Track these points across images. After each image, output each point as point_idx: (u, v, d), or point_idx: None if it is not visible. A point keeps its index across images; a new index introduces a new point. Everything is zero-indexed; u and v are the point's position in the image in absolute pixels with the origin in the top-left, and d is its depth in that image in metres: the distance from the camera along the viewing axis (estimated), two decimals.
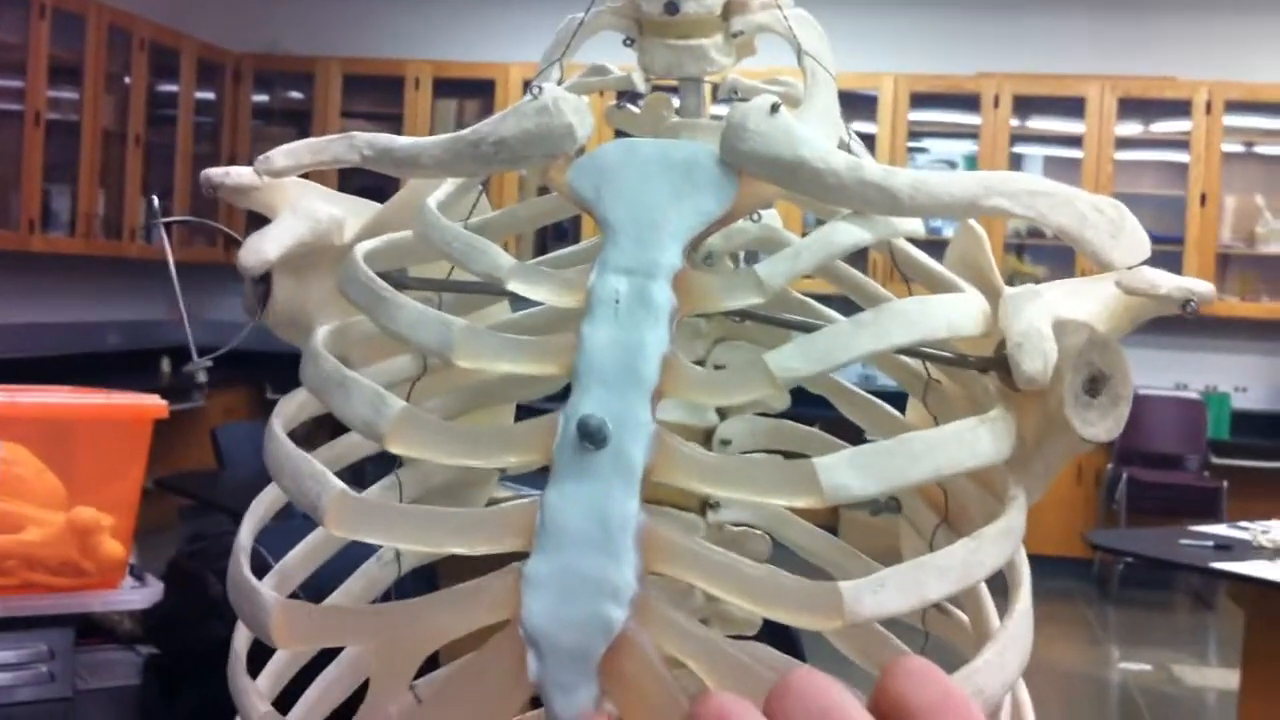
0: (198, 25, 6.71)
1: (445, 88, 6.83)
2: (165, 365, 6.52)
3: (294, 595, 0.55)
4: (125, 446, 1.50)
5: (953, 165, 6.58)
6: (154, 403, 1.51)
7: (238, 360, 0.67)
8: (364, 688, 0.55)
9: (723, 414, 0.62)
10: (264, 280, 0.60)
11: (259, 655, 0.57)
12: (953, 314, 0.51)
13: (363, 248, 0.56)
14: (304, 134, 6.90)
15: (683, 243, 0.50)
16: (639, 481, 0.46)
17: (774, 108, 0.49)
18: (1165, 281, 0.52)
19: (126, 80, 6.24)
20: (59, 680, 1.43)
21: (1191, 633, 5.43)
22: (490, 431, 0.54)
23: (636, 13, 0.57)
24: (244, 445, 4.67)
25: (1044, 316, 0.51)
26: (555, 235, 5.32)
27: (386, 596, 0.61)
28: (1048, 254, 6.15)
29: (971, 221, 0.58)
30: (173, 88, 6.63)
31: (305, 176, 0.62)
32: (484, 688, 0.47)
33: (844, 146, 0.53)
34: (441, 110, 6.84)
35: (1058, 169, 6.51)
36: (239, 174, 0.59)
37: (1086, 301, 0.54)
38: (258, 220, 0.62)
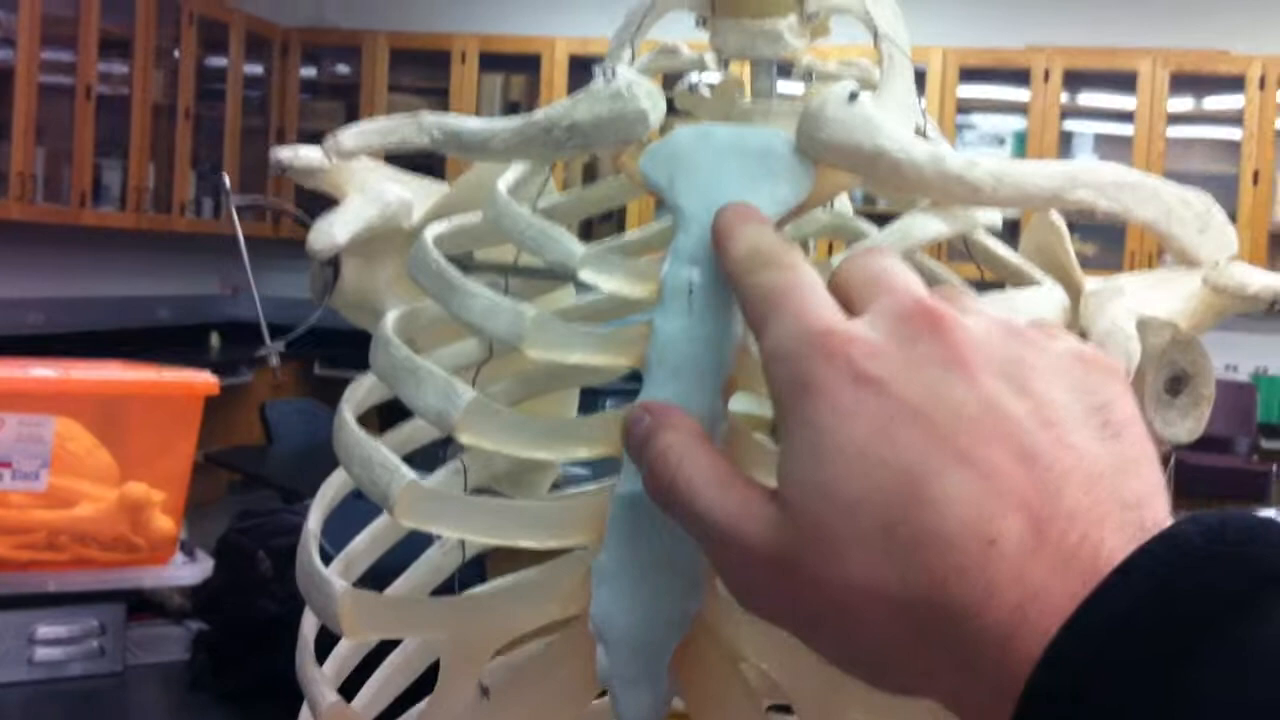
0: (246, 0, 6.73)
1: (491, 62, 6.83)
2: (214, 340, 6.58)
3: (359, 581, 0.55)
4: (177, 422, 1.52)
5: (1002, 142, 6.52)
6: (205, 379, 1.52)
7: (284, 335, 0.67)
8: (427, 673, 0.55)
9: None
10: (332, 263, 0.60)
11: (322, 639, 0.57)
12: (1034, 309, 0.50)
13: (431, 231, 0.56)
14: (351, 108, 6.95)
15: None
16: None
17: (852, 95, 0.48)
18: (1254, 280, 0.51)
19: (176, 54, 6.28)
20: (110, 655, 1.44)
21: None
22: (562, 424, 0.53)
23: None
24: (292, 421, 4.71)
25: (1128, 315, 0.50)
26: (601, 218, 5.31)
27: (449, 583, 0.61)
28: (1097, 232, 6.08)
29: (1050, 212, 0.56)
30: (221, 62, 6.67)
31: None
32: (553, 682, 0.47)
33: (920, 132, 0.52)
34: (487, 84, 6.84)
35: (1108, 145, 6.43)
36: (308, 155, 0.59)
37: (1169, 298, 0.53)
38: (312, 196, 0.61)
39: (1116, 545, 0.30)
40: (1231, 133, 6.25)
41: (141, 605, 1.58)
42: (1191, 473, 5.66)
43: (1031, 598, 0.30)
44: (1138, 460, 0.33)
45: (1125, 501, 0.32)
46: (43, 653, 1.41)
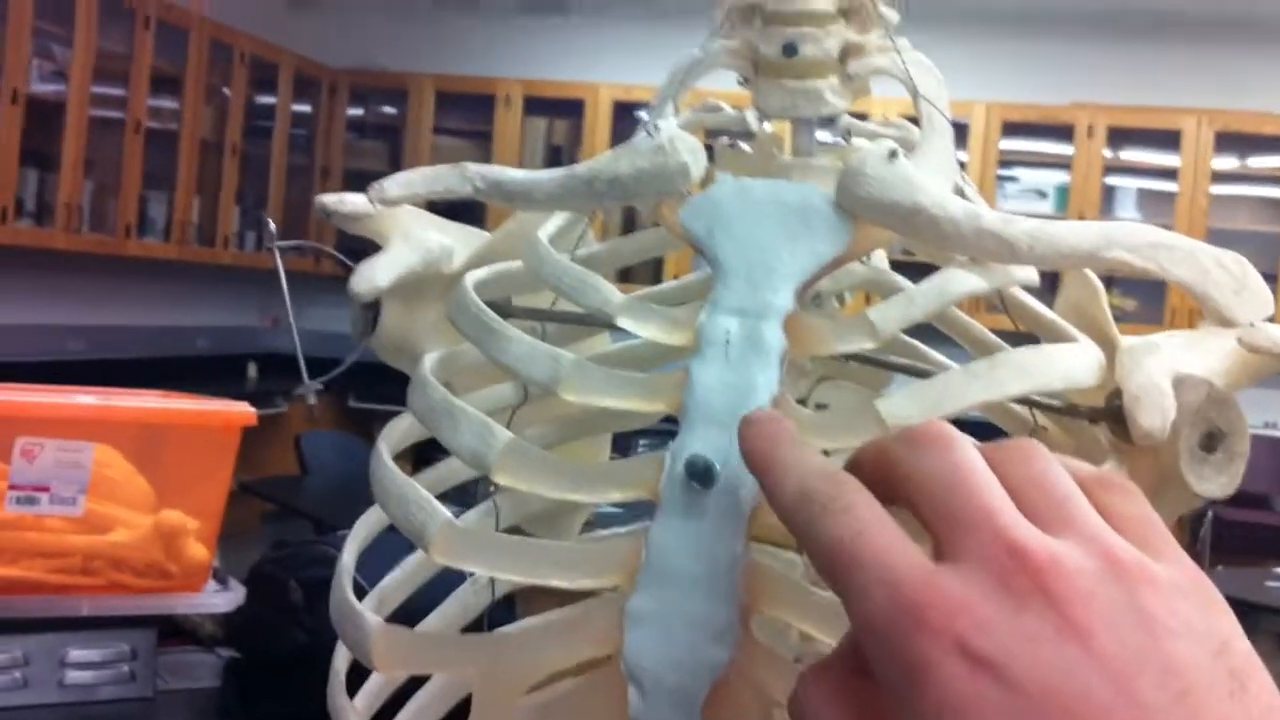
0: (297, 41, 6.84)
1: (535, 106, 6.89)
2: (252, 370, 6.64)
3: (391, 617, 0.56)
4: (214, 452, 1.53)
5: (1043, 195, 6.50)
6: (243, 410, 1.53)
7: (322, 369, 0.68)
8: (457, 709, 0.56)
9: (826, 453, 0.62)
10: (373, 307, 0.61)
11: (353, 673, 0.58)
12: (1069, 365, 0.50)
13: (472, 277, 0.57)
14: (395, 149, 7.01)
15: (795, 285, 0.49)
16: (746, 522, 0.46)
17: (892, 154, 0.49)
18: None
19: (226, 92, 6.37)
20: (140, 680, 1.45)
21: (1276, 676, 5.29)
22: (597, 467, 0.54)
23: (753, 54, 0.57)
24: (327, 453, 4.73)
25: (1163, 371, 0.50)
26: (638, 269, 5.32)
27: (479, 622, 0.62)
28: (1139, 287, 6.04)
29: (1087, 271, 0.57)
30: (270, 100, 6.76)
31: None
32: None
33: (958, 192, 0.53)
34: (531, 129, 6.90)
35: (1151, 202, 6.40)
36: (353, 201, 0.60)
37: (1205, 356, 0.53)
38: (353, 239, 0.62)
39: None
40: (1276, 191, 6.22)
41: (173, 632, 1.59)
42: (1229, 529, 5.59)
43: None
44: (1269, 711, 0.31)
45: None
46: (74, 676, 1.42)
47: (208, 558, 1.51)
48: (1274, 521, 5.74)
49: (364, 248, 0.62)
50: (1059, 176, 6.48)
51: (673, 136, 0.52)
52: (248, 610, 1.48)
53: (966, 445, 0.35)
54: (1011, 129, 6.39)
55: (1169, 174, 6.30)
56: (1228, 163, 6.31)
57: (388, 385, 0.59)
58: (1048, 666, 0.30)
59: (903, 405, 0.48)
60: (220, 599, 1.51)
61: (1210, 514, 5.53)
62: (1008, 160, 6.50)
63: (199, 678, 1.54)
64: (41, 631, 1.40)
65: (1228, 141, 6.22)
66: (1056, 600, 0.31)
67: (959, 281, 0.51)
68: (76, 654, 1.42)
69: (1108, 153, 6.37)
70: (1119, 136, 6.36)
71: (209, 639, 1.63)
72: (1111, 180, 6.50)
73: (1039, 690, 0.30)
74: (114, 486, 1.47)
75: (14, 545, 1.41)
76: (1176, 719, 0.30)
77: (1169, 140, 6.25)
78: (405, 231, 0.61)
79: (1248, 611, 5.10)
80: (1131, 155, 6.49)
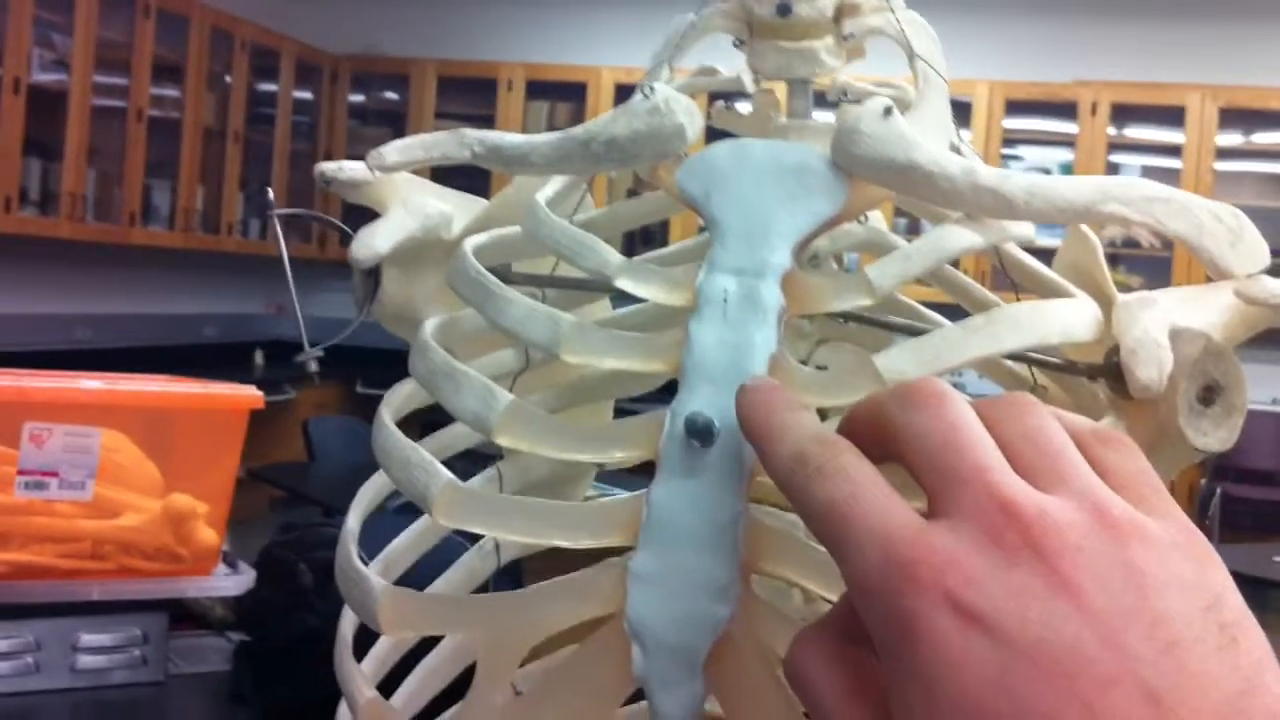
0: (297, 27, 6.83)
1: (537, 90, 6.89)
2: (259, 358, 6.65)
3: (396, 584, 0.56)
4: (222, 436, 1.53)
5: (1048, 174, 6.48)
6: (250, 393, 1.53)
7: (329, 355, 0.68)
8: (465, 675, 0.56)
9: (823, 413, 0.62)
10: (373, 273, 0.61)
11: (361, 641, 0.58)
12: (1066, 319, 0.50)
13: (471, 242, 0.57)
14: (398, 134, 7.02)
15: (792, 244, 0.50)
16: (746, 480, 0.46)
17: (887, 111, 0.49)
18: None
19: (227, 79, 6.38)
20: (151, 664, 1.46)
21: None
22: (597, 427, 0.54)
23: (747, 15, 0.57)
24: (334, 438, 4.74)
25: (1160, 325, 0.50)
26: (643, 239, 5.33)
27: (484, 588, 0.62)
28: (1144, 264, 6.04)
29: (1083, 228, 0.57)
30: (272, 87, 6.76)
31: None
32: (587, 681, 0.48)
33: (954, 151, 0.53)
34: (533, 112, 6.90)
35: (1155, 179, 6.29)
36: (352, 169, 0.60)
37: (1202, 310, 0.53)
38: (356, 217, 0.62)
39: None
40: None
41: (184, 616, 1.59)
42: (1236, 505, 5.59)
43: None
44: (1259, 668, 0.31)
45: None
46: (85, 660, 1.43)
47: (217, 541, 1.51)
48: None
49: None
50: (1063, 155, 6.47)
51: (668, 98, 0.52)
52: (258, 593, 1.48)
53: (959, 402, 0.35)
54: (1015, 107, 6.38)
55: (1173, 150, 6.29)
56: (1232, 139, 6.29)
57: (394, 372, 0.59)
58: (1036, 620, 0.31)
59: (900, 360, 0.48)
60: (230, 582, 1.51)
61: (1219, 491, 5.53)
62: (1011, 139, 6.49)
63: (210, 661, 1.55)
64: (52, 616, 1.41)
65: (1232, 117, 6.20)
66: (1046, 555, 0.32)
67: (956, 238, 0.51)
68: (87, 638, 1.43)
69: (1111, 130, 6.35)
70: (1123, 113, 6.35)
71: (219, 623, 1.64)
72: (1115, 158, 6.49)
73: (1027, 643, 0.31)
74: (122, 471, 1.48)
75: (24, 530, 1.41)
76: (1163, 670, 0.30)
77: (1173, 117, 6.24)
78: (404, 198, 0.61)
79: (1255, 587, 5.11)
80: (1135, 132, 6.48)
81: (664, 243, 0.67)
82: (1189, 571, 0.32)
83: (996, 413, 0.36)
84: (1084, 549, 0.32)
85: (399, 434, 0.54)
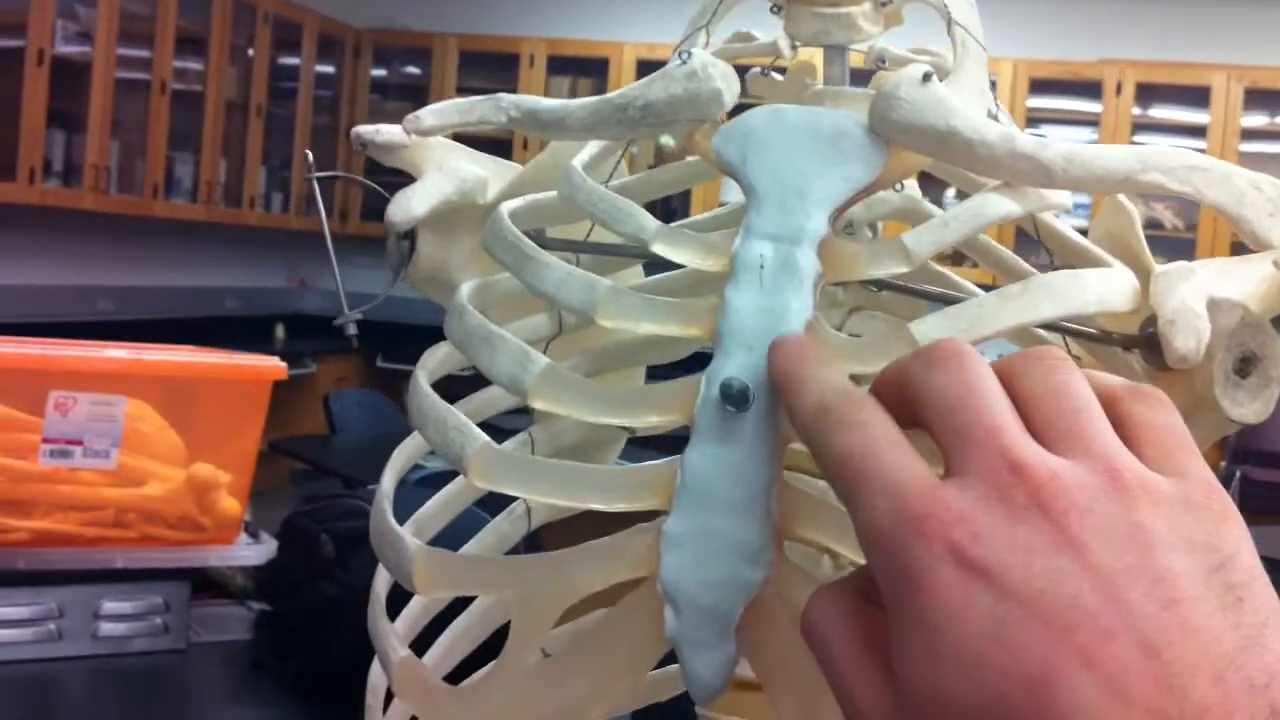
0: (320, 1, 6.82)
1: (559, 65, 6.88)
2: (280, 331, 6.67)
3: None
4: (244, 406, 1.54)
5: None
6: (273, 364, 1.54)
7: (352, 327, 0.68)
8: (495, 636, 0.56)
9: (857, 380, 0.62)
10: (408, 237, 0.61)
11: (393, 601, 0.59)
12: (1103, 288, 0.50)
13: (507, 206, 0.57)
14: (419, 108, 7.05)
15: (829, 210, 0.49)
16: (780, 446, 0.46)
17: (926, 77, 0.49)
18: None
19: (250, 53, 6.38)
20: (173, 632, 1.47)
21: None
22: (632, 391, 0.54)
23: None
24: (355, 412, 4.77)
25: (1197, 295, 0.50)
26: (664, 214, 5.31)
27: (515, 551, 0.62)
28: (1166, 246, 6.01)
29: (1121, 197, 0.57)
30: (294, 61, 6.76)
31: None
32: (620, 642, 0.48)
33: (992, 116, 0.53)
34: (555, 88, 6.88)
35: None
36: (389, 131, 0.60)
37: (1239, 281, 0.53)
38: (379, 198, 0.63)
39: None
40: None
41: (205, 585, 1.61)
42: (1256, 488, 5.57)
43: None
44: (1263, 628, 0.32)
45: (1254, 684, 0.30)
46: (107, 628, 1.44)
47: (239, 511, 1.52)
48: None
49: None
50: (1087, 134, 6.43)
51: (706, 63, 0.52)
52: (279, 563, 1.49)
53: (978, 362, 0.36)
54: (1039, 86, 6.34)
55: (1198, 131, 6.24)
56: (1257, 119, 6.24)
57: (415, 346, 0.60)
58: (1039, 574, 0.31)
59: (936, 327, 0.48)
60: (252, 552, 1.53)
61: (1239, 474, 5.51)
62: (1035, 118, 6.45)
63: (231, 630, 1.56)
64: (75, 584, 1.42)
65: (1257, 98, 6.15)
66: (1053, 514, 0.32)
67: (993, 205, 0.51)
68: (110, 606, 1.44)
69: (1136, 110, 6.31)
70: (1147, 93, 6.30)
71: (240, 592, 1.65)
72: (1140, 138, 6.44)
73: (1028, 595, 0.31)
74: (146, 440, 1.49)
75: (48, 498, 1.43)
76: (1163, 625, 0.31)
77: (1198, 97, 6.19)
78: (439, 162, 0.61)
79: (1275, 569, 5.08)
80: (1160, 112, 6.43)
81: (686, 215, 0.67)
82: (1199, 532, 0.32)
83: (1021, 367, 0.36)
84: (1093, 510, 0.32)
85: (435, 396, 0.54)
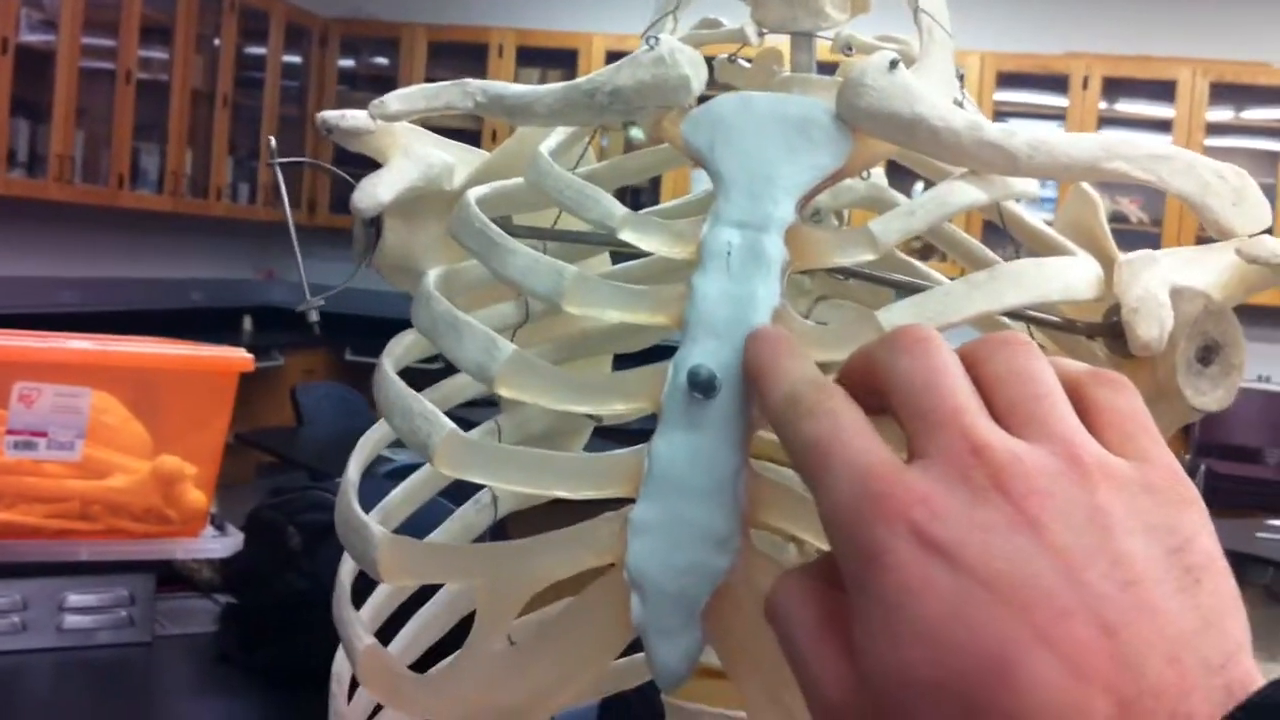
0: None
1: (528, 56, 6.86)
2: (247, 323, 6.63)
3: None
4: (210, 398, 1.53)
5: None
6: (240, 356, 1.53)
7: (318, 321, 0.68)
8: (461, 624, 0.56)
9: (824, 368, 0.62)
10: (374, 223, 0.61)
11: (359, 591, 0.58)
12: (1068, 276, 0.51)
13: (474, 193, 0.57)
14: None
15: (795, 197, 0.49)
16: (747, 433, 0.46)
17: (892, 64, 0.49)
18: None
19: (216, 42, 6.33)
20: (139, 625, 1.46)
21: (1265, 627, 5.34)
22: (599, 378, 0.54)
23: None
24: (323, 404, 4.74)
25: (1160, 283, 0.50)
26: (634, 203, 5.31)
27: (481, 540, 0.62)
28: (1132, 240, 6.04)
29: (1085, 186, 0.57)
30: (261, 51, 6.71)
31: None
32: (586, 629, 0.48)
33: (958, 104, 0.53)
34: (524, 79, 6.85)
35: None
36: (354, 116, 0.60)
37: (1202, 270, 0.53)
38: (345, 187, 0.62)
39: (1205, 718, 0.30)
40: (1271, 144, 6.21)
41: (171, 578, 1.60)
42: (1222, 482, 5.63)
43: None
44: (1220, 610, 0.32)
45: (1210, 664, 0.31)
46: (72, 620, 1.43)
47: (205, 503, 1.51)
48: (1265, 475, 5.78)
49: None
50: (1054, 128, 6.46)
51: (673, 49, 0.52)
52: (245, 556, 1.48)
53: (942, 347, 0.36)
54: (1006, 80, 6.37)
55: (1163, 125, 6.28)
56: (1222, 114, 6.29)
57: (385, 339, 0.59)
58: (998, 554, 0.32)
59: (903, 314, 0.48)
60: (218, 544, 1.51)
61: (1204, 467, 5.57)
62: (1002, 112, 6.48)
63: (197, 623, 1.55)
64: (40, 576, 1.41)
65: (1222, 92, 6.20)
66: (1012, 496, 0.32)
67: (959, 193, 0.51)
68: (75, 599, 1.43)
69: (1103, 104, 6.35)
70: (1114, 87, 6.34)
71: (206, 585, 1.64)
72: (1107, 132, 6.48)
73: (988, 575, 0.31)
74: (111, 432, 1.47)
75: (12, 490, 1.41)
76: (1121, 605, 0.31)
77: (1164, 91, 6.24)
78: (405, 148, 0.61)
79: (1238, 562, 5.14)
80: (1126, 107, 6.48)
81: (654, 204, 0.67)
82: (1158, 515, 0.33)
83: (985, 352, 0.36)
84: (1053, 492, 0.33)
85: (401, 384, 0.54)
